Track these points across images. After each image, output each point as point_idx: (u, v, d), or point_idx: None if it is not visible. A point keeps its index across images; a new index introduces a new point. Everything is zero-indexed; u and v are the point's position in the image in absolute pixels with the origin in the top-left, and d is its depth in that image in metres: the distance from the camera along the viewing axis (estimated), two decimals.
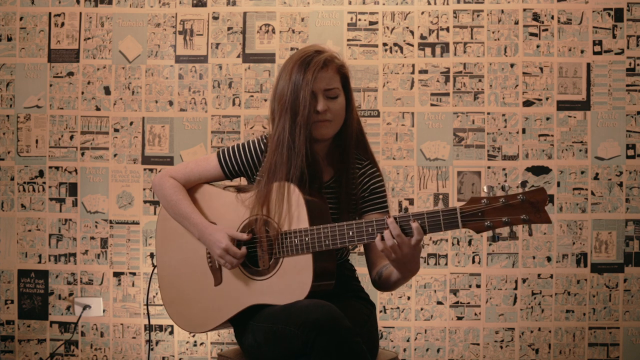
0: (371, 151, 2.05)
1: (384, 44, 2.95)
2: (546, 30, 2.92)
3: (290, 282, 1.83)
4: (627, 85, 2.90)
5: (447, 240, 2.92)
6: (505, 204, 1.50)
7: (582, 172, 2.90)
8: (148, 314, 2.38)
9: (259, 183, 1.90)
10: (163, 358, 2.96)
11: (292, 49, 2.96)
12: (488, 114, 2.93)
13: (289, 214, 1.84)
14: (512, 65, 2.92)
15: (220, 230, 1.90)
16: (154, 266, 2.22)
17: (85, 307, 2.97)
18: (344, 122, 1.96)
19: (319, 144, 1.95)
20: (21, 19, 3.02)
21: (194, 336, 2.95)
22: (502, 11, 2.93)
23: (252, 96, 2.97)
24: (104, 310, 2.99)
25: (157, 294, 2.89)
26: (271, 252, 1.86)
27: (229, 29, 2.98)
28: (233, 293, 1.91)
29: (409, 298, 2.92)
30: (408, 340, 2.93)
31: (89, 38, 3.01)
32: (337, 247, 1.79)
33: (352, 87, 1.98)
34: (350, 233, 1.76)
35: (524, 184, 1.53)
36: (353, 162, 1.98)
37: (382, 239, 1.70)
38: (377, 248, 1.92)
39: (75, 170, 3.00)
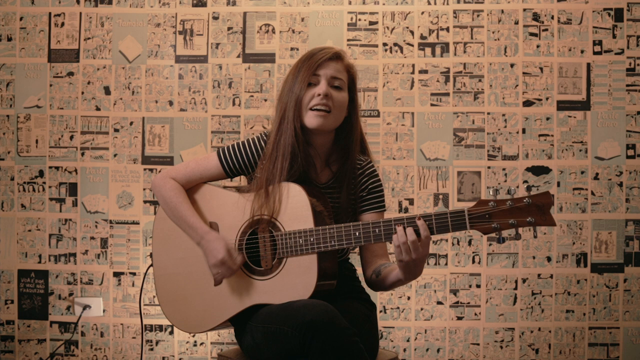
0: (370, 151, 2.05)
1: (384, 44, 2.95)
2: (546, 30, 2.92)
3: (294, 282, 1.82)
4: (627, 85, 2.90)
5: (447, 241, 2.92)
6: (512, 206, 1.54)
7: (582, 172, 2.90)
8: (141, 314, 2.37)
9: (261, 181, 1.89)
10: (163, 358, 2.96)
11: (292, 49, 2.95)
12: (488, 114, 2.93)
13: (293, 214, 1.84)
14: (512, 65, 2.92)
15: (220, 239, 1.88)
16: (150, 265, 2.22)
17: (85, 307, 2.97)
18: (349, 124, 1.94)
19: (317, 138, 1.93)
20: (21, 19, 3.02)
21: (194, 336, 2.95)
22: (502, 11, 2.93)
23: (252, 96, 2.97)
24: (104, 310, 2.99)
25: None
26: (274, 252, 1.86)
27: (229, 29, 2.98)
28: (234, 293, 1.91)
29: (409, 298, 2.92)
30: (408, 340, 2.92)
31: (89, 38, 3.01)
32: (343, 247, 1.79)
33: (357, 92, 1.96)
34: (357, 234, 1.76)
35: (529, 188, 1.57)
36: (355, 165, 1.96)
37: (402, 232, 1.67)
38: (373, 247, 1.94)
39: (75, 170, 3.00)
